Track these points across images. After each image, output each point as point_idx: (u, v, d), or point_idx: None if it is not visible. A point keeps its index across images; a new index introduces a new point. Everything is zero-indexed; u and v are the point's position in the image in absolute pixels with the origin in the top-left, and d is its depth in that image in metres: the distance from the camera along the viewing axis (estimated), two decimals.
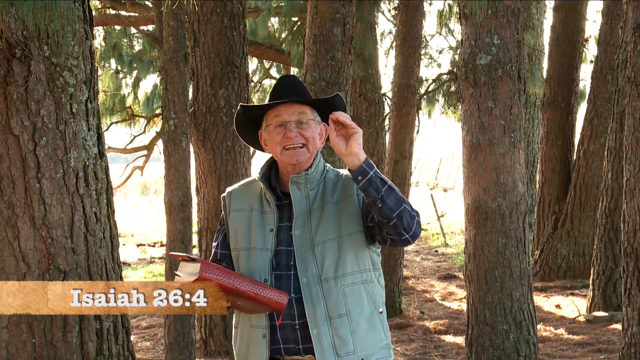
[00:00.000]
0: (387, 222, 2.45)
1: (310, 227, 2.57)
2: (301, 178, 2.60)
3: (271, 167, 2.69)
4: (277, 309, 2.51)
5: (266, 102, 2.67)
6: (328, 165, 2.72)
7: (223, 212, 2.74)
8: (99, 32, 12.51)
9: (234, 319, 2.72)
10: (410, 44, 8.74)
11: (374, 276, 2.62)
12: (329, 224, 2.56)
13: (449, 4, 11.85)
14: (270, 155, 2.71)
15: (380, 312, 2.62)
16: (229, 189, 2.76)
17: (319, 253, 2.54)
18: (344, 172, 2.69)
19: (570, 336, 7.15)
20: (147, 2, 11.07)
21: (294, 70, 12.23)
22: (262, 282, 2.55)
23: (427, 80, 12.24)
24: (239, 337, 2.68)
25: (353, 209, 2.59)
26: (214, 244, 2.76)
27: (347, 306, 2.54)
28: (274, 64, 13.79)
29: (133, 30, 12.54)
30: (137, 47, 13.35)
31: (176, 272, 2.53)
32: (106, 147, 4.29)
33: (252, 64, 13.97)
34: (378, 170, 2.44)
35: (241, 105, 2.71)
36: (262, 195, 2.67)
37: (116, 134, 15.44)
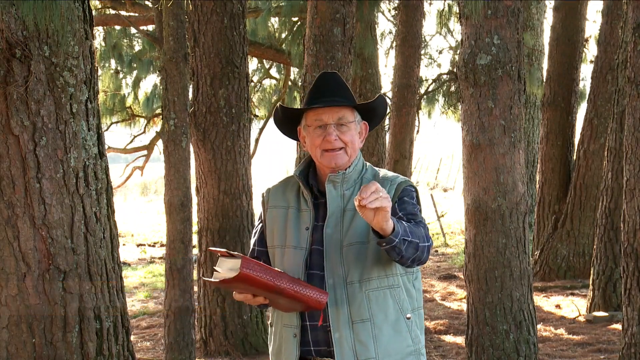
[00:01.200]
0: (401, 264, 2.48)
1: (342, 228, 2.54)
2: (338, 177, 2.56)
3: (309, 166, 2.67)
4: (316, 307, 2.46)
5: (305, 100, 2.62)
6: (367, 164, 2.69)
7: (262, 209, 2.71)
8: (99, 32, 12.50)
9: (270, 317, 2.70)
10: (410, 44, 8.75)
11: (403, 281, 2.57)
12: (360, 226, 2.52)
13: (449, 4, 11.85)
14: (308, 154, 2.67)
15: (408, 318, 2.56)
16: (268, 187, 2.74)
17: (346, 255, 2.51)
18: (383, 172, 2.66)
19: (570, 336, 7.15)
20: (147, 2, 11.07)
21: (294, 70, 12.24)
22: None
23: (427, 80, 12.26)
24: (273, 336, 2.65)
25: None
26: (252, 240, 2.73)
27: (371, 311, 2.51)
28: (274, 64, 13.79)
29: (133, 30, 12.54)
30: (137, 47, 13.34)
31: (215, 268, 2.47)
32: (106, 147, 4.28)
33: (252, 64, 13.96)
34: (401, 228, 2.36)
35: (280, 105, 2.68)
36: (300, 193, 2.64)
37: (116, 134, 15.43)
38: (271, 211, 2.66)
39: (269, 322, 2.70)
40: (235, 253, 2.42)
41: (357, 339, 2.49)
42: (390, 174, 2.66)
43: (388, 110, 2.78)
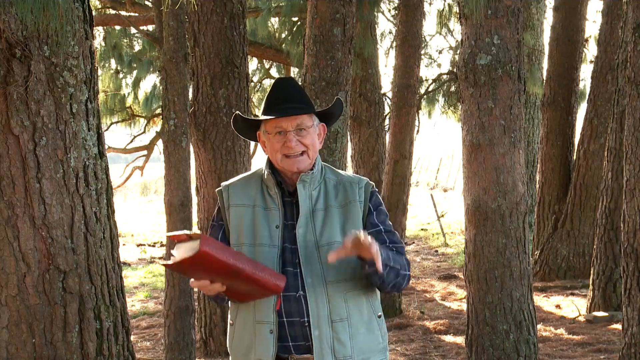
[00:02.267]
0: (380, 290, 2.61)
1: (313, 228, 2.58)
2: (308, 177, 2.60)
3: (273, 166, 2.68)
4: (274, 291, 2.46)
5: (262, 108, 2.65)
6: (323, 164, 2.73)
7: (220, 206, 2.69)
8: (99, 32, 12.50)
9: (229, 315, 2.68)
10: (410, 44, 8.74)
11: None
12: (333, 226, 2.57)
13: (449, 4, 11.86)
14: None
15: (379, 317, 2.64)
16: (225, 183, 2.73)
17: (324, 254, 2.53)
18: (342, 173, 2.71)
19: (570, 336, 7.15)
20: (147, 2, 11.07)
21: (294, 70, 12.24)
22: None
23: (427, 80, 12.24)
24: (235, 335, 2.64)
25: (356, 215, 2.61)
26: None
27: (348, 310, 2.55)
28: (274, 64, 13.79)
29: (133, 30, 12.53)
30: (137, 47, 13.34)
31: (172, 252, 2.40)
32: (106, 147, 4.28)
33: (252, 64, 13.97)
34: (385, 254, 2.48)
35: (238, 114, 2.70)
36: (263, 192, 2.65)
37: (116, 134, 15.39)
38: (235, 209, 2.65)
39: (228, 321, 2.68)
40: (194, 234, 2.35)
41: (336, 337, 2.54)
42: (349, 175, 2.71)
43: (344, 109, 2.82)
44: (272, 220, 2.60)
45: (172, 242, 2.39)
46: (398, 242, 2.65)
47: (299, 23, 10.94)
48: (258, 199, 2.65)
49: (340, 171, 2.74)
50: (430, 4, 13.71)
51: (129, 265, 13.23)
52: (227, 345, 2.70)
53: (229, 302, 2.67)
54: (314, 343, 2.52)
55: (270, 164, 2.68)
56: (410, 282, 10.46)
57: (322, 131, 2.69)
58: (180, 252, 2.36)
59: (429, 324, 7.73)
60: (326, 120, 2.72)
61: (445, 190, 28.14)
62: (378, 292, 2.67)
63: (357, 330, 2.56)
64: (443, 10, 12.00)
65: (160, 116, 10.36)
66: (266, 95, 2.68)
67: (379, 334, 2.63)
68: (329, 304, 2.53)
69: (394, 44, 10.54)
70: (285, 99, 2.60)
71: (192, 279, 2.47)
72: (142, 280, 11.52)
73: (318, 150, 2.66)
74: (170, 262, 2.37)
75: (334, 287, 2.54)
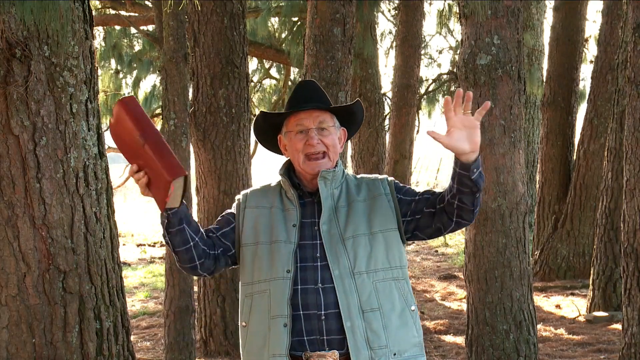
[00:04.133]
0: (473, 193, 2.48)
1: (337, 223, 2.58)
2: (329, 174, 2.60)
3: (289, 168, 2.70)
4: (168, 175, 2.36)
5: (285, 107, 2.66)
6: (345, 169, 2.75)
7: (235, 211, 2.70)
8: (99, 32, 12.50)
9: (240, 317, 2.65)
10: (410, 44, 8.75)
11: (405, 274, 2.62)
12: (358, 220, 2.57)
13: (448, 4, 11.86)
14: (286, 158, 2.71)
15: (413, 310, 2.60)
16: (244, 191, 2.76)
17: (351, 246, 2.54)
18: (362, 175, 2.73)
19: (570, 336, 7.15)
20: (147, 2, 11.07)
21: (294, 70, 12.24)
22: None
23: (427, 80, 12.25)
24: (248, 336, 2.60)
25: (384, 208, 2.61)
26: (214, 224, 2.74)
27: (379, 300, 2.53)
28: (274, 64, 13.79)
29: (133, 30, 12.54)
30: (137, 47, 13.34)
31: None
32: (106, 147, 4.28)
33: (252, 64, 13.97)
34: (478, 162, 2.46)
35: (262, 112, 2.71)
36: (281, 195, 2.67)
37: None
38: (251, 210, 2.66)
39: (240, 324, 2.64)
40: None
41: (369, 327, 2.50)
42: (370, 175, 2.75)
43: (364, 115, 2.82)
44: (290, 220, 2.61)
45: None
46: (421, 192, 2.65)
47: (299, 23, 10.94)
48: (276, 201, 2.66)
49: (362, 175, 2.76)
50: (430, 4, 13.71)
51: (129, 265, 13.22)
52: (240, 349, 2.65)
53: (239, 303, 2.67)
54: (347, 335, 2.49)
55: (285, 168, 2.69)
56: (410, 282, 10.46)
57: (342, 136, 2.69)
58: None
59: (429, 324, 7.73)
60: (347, 125, 2.72)
61: None
62: (410, 285, 2.64)
63: (390, 320, 2.53)
64: (443, 10, 12.00)
65: (160, 116, 10.35)
66: (288, 97, 2.69)
67: (414, 327, 2.58)
68: (359, 294, 2.51)
69: (394, 44, 10.55)
70: (308, 99, 2.61)
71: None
72: (142, 280, 11.51)
73: (339, 153, 2.66)
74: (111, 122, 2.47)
75: (363, 277, 2.53)
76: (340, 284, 2.51)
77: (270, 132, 2.72)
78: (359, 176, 2.71)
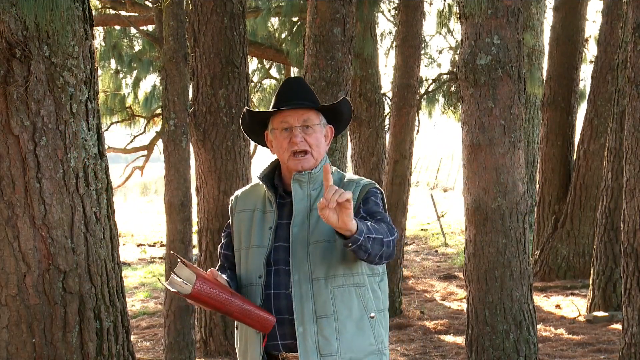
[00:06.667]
0: (370, 263, 2.50)
1: (308, 226, 2.59)
2: (304, 176, 2.61)
3: (275, 168, 2.72)
4: (262, 330, 2.54)
5: (271, 105, 2.68)
6: (334, 167, 2.72)
7: (230, 219, 2.77)
8: (99, 32, 12.50)
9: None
10: (410, 44, 8.73)
11: (370, 281, 2.61)
12: (327, 225, 2.54)
13: (449, 4, 11.85)
14: (275, 157, 2.73)
15: (372, 317, 2.59)
16: (234, 194, 2.80)
17: (313, 253, 2.55)
18: (349, 175, 2.71)
19: (570, 336, 7.15)
20: (147, 2, 11.07)
21: (294, 70, 12.23)
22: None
23: (427, 80, 12.23)
24: (238, 338, 2.70)
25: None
26: (220, 245, 2.79)
27: (335, 307, 2.54)
28: (274, 64, 13.79)
29: (133, 30, 12.54)
30: (137, 47, 13.33)
31: (173, 271, 2.51)
32: (106, 147, 4.28)
33: (252, 64, 13.97)
34: (364, 227, 2.38)
35: (247, 109, 2.72)
36: (265, 195, 2.70)
37: (116, 134, 15.39)
38: (238, 215, 2.72)
39: (235, 324, 2.74)
40: (194, 267, 2.48)
41: (320, 333, 2.52)
42: (355, 176, 2.72)
43: (351, 114, 2.77)
44: (267, 222, 2.64)
45: (175, 260, 2.51)
46: (377, 211, 2.57)
47: (299, 23, 10.94)
48: (259, 203, 2.70)
49: (348, 173, 2.73)
50: (430, 4, 13.71)
51: (129, 265, 13.23)
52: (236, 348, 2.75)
53: None
54: (298, 340, 2.52)
55: (269, 168, 2.72)
56: (410, 282, 10.47)
57: (329, 133, 2.70)
58: (180, 277, 2.49)
59: (429, 324, 7.73)
60: (334, 122, 2.72)
61: (445, 190, 28.13)
62: (379, 293, 2.63)
63: (345, 327, 2.54)
64: (443, 10, 11.99)
65: (160, 116, 10.36)
66: (275, 93, 2.70)
67: (371, 335, 2.58)
68: (315, 300, 2.53)
69: (394, 44, 10.53)
70: (293, 96, 2.62)
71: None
72: (142, 280, 11.52)
73: (324, 151, 2.67)
74: (170, 287, 2.49)
75: (321, 283, 2.53)
76: (298, 290, 2.54)
77: (258, 128, 2.74)
78: (346, 178, 2.69)
